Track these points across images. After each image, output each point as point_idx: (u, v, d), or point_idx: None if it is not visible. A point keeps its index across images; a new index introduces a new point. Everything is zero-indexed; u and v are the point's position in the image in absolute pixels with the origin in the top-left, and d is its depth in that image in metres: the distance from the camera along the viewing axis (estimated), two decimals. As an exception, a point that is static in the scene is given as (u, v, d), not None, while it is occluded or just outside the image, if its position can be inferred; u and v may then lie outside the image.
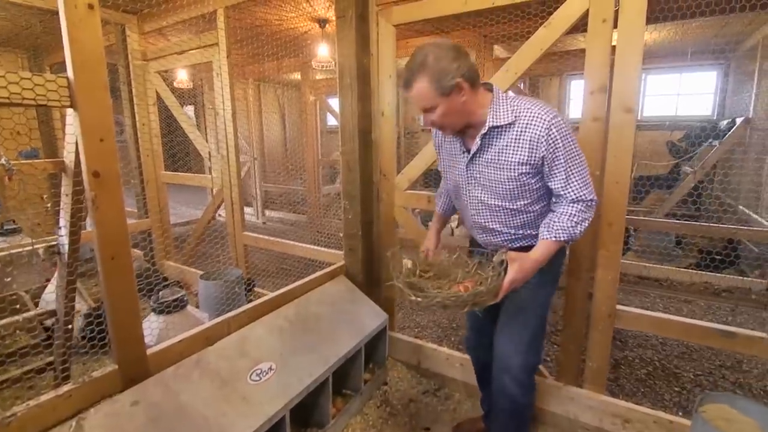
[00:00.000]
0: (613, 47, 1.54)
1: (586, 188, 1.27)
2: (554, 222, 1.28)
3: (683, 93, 5.80)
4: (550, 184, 1.30)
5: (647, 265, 3.68)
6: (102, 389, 1.23)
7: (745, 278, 3.34)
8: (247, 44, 3.62)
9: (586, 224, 1.28)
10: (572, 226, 1.26)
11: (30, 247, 1.43)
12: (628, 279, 3.58)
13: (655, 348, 2.59)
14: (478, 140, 1.31)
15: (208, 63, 2.92)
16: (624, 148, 1.55)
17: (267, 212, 6.32)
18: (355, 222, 2.19)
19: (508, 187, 1.33)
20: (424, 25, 3.50)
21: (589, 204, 1.28)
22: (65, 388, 1.18)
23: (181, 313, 1.94)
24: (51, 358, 1.81)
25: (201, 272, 2.70)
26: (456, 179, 1.46)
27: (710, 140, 4.27)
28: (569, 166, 1.25)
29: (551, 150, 1.23)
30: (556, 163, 1.25)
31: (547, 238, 1.28)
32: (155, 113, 3.36)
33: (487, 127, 1.28)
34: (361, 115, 2.11)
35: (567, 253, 1.59)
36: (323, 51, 3.88)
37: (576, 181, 1.26)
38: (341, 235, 2.31)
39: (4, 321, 1.67)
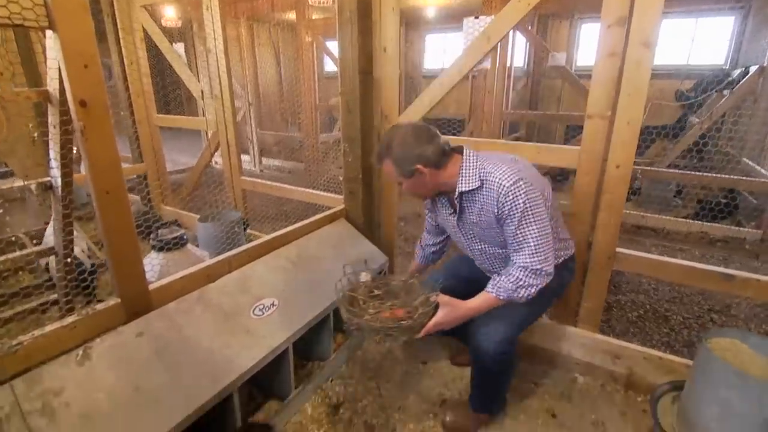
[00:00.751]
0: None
1: (537, 257, 1.26)
2: (501, 279, 1.30)
3: (697, 40, 5.54)
4: (506, 241, 1.34)
5: (645, 214, 3.69)
6: (106, 321, 1.24)
7: (741, 228, 3.37)
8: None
9: (532, 290, 1.28)
10: (514, 290, 1.28)
11: (22, 183, 1.39)
12: (625, 228, 3.60)
13: (647, 293, 2.65)
14: (456, 203, 1.39)
15: (197, -6, 2.72)
16: (638, 86, 1.47)
17: (264, 160, 6.22)
18: (356, 165, 2.14)
19: (500, 239, 1.38)
20: (430, -45, 3.24)
21: (537, 272, 1.27)
22: (69, 319, 1.19)
23: (181, 251, 1.94)
24: (55, 296, 1.83)
25: (199, 216, 2.69)
26: (455, 234, 1.54)
27: (721, 89, 4.13)
28: (522, 231, 1.27)
29: (505, 213, 1.27)
30: (509, 226, 1.28)
31: (489, 292, 1.32)
32: (143, 50, 3.18)
33: (457, 193, 1.35)
34: (362, 51, 1.99)
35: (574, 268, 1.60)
36: (320, -16, 3.62)
37: (527, 247, 1.27)
38: (341, 179, 2.28)
39: (3, 257, 1.66)
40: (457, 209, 1.41)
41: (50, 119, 1.34)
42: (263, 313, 1.47)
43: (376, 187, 2.25)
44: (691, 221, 3.53)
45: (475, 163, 1.33)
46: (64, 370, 1.08)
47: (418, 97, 1.99)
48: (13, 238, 2.61)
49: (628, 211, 3.74)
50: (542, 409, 1.67)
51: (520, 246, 1.28)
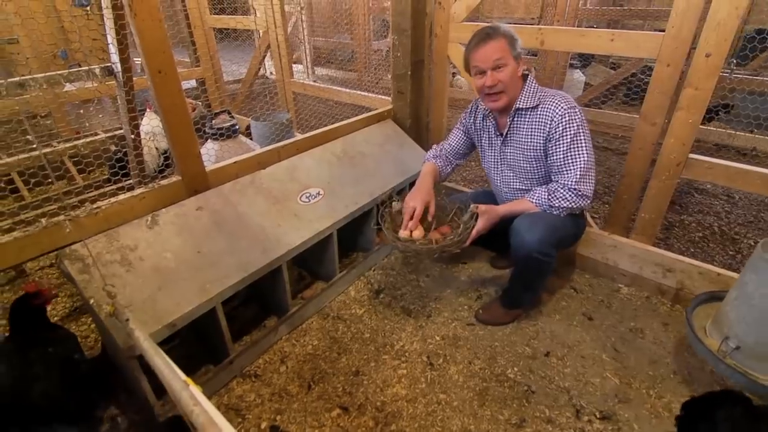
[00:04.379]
0: None
1: (578, 177, 1.34)
2: (539, 189, 1.42)
3: None
4: (550, 166, 1.41)
5: (732, 132, 3.25)
6: (170, 195, 1.37)
7: None
8: None
9: (566, 205, 1.36)
10: (547, 200, 1.38)
11: (87, 68, 1.47)
12: (705, 147, 3.22)
13: (719, 215, 2.44)
14: (508, 121, 1.46)
15: None
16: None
17: (317, 70, 6.08)
18: (405, 61, 2.02)
19: (535, 165, 1.46)
20: None
21: (576, 193, 1.35)
22: (139, 190, 1.32)
23: (234, 140, 2.04)
24: (131, 181, 2.02)
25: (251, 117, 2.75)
26: (489, 162, 1.62)
27: None
28: (572, 153, 1.34)
29: (558, 134, 1.35)
30: (560, 146, 1.35)
31: (526, 197, 1.43)
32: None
33: (514, 108, 1.42)
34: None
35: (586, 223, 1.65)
36: None
37: (573, 168, 1.34)
38: (389, 77, 2.18)
39: (81, 141, 1.83)
40: (507, 129, 1.47)
41: (103, 1, 1.36)
42: (309, 201, 1.54)
43: (425, 86, 2.14)
44: (789, 142, 3.08)
45: (536, 87, 1.42)
46: (137, 231, 1.23)
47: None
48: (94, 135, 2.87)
49: (711, 128, 3.31)
50: (579, 312, 1.68)
51: (566, 167, 1.35)
